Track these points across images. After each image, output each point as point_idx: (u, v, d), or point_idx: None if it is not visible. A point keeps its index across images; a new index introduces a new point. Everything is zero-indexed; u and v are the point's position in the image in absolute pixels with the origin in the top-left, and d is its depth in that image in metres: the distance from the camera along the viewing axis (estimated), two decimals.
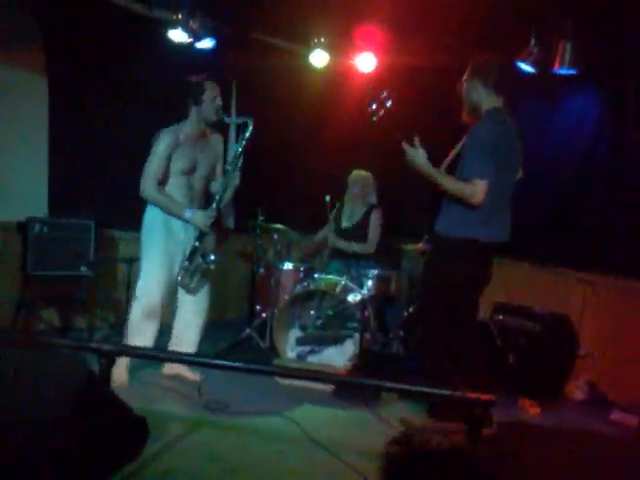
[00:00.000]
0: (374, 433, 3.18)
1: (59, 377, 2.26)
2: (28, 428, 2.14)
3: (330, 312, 4.16)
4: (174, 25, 4.52)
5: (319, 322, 4.22)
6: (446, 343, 3.19)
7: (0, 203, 4.36)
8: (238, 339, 4.68)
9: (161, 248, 3.57)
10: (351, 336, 4.16)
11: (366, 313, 4.18)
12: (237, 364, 2.77)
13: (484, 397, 1.79)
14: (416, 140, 3.08)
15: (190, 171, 3.60)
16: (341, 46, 5.16)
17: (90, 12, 4.55)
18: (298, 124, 5.47)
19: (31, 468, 2.13)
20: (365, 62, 5.17)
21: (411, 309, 4.64)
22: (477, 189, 2.96)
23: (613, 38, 4.16)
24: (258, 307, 4.80)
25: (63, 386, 2.25)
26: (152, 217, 3.60)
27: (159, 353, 3.07)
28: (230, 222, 5.29)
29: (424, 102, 4.94)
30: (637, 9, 3.77)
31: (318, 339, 4.23)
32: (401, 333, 4.53)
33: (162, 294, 3.57)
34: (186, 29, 4.53)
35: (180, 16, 4.51)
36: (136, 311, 3.56)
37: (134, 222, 4.58)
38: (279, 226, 4.78)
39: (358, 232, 4.79)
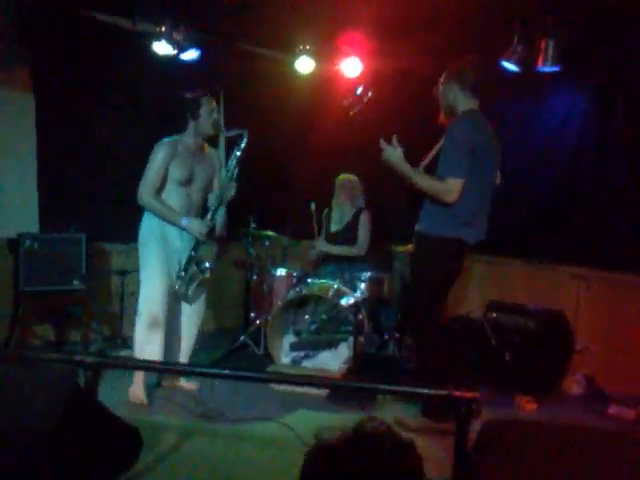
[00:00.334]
0: None
1: (45, 391, 2.25)
2: (16, 443, 2.14)
3: (324, 316, 4.16)
4: (158, 37, 4.54)
5: (313, 327, 4.22)
6: (433, 340, 3.21)
7: None
8: (234, 347, 4.68)
9: (158, 256, 3.57)
10: (345, 340, 4.16)
11: (359, 316, 4.18)
12: (230, 372, 2.78)
13: (468, 395, 1.79)
14: (394, 139, 3.12)
15: (187, 182, 3.61)
16: (326, 52, 5.18)
17: (75, 28, 4.59)
18: (286, 131, 5.49)
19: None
20: (351, 67, 5.18)
21: (405, 310, 4.63)
22: (451, 187, 3.01)
23: (595, 34, 4.18)
24: (252, 314, 4.79)
25: (50, 400, 2.24)
26: (148, 226, 3.60)
27: (148, 364, 3.05)
28: (223, 231, 5.30)
29: (410, 105, 4.97)
30: (619, 3, 3.80)
31: (312, 344, 4.22)
32: (396, 335, 4.52)
33: (164, 304, 3.56)
34: (170, 41, 4.55)
35: (164, 28, 4.53)
36: (140, 325, 3.54)
37: (125, 235, 4.61)
38: (270, 233, 4.78)
39: (348, 234, 4.80)
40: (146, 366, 2.98)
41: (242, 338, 4.67)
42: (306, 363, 4.18)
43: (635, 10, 3.77)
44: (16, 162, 4.54)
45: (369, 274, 4.51)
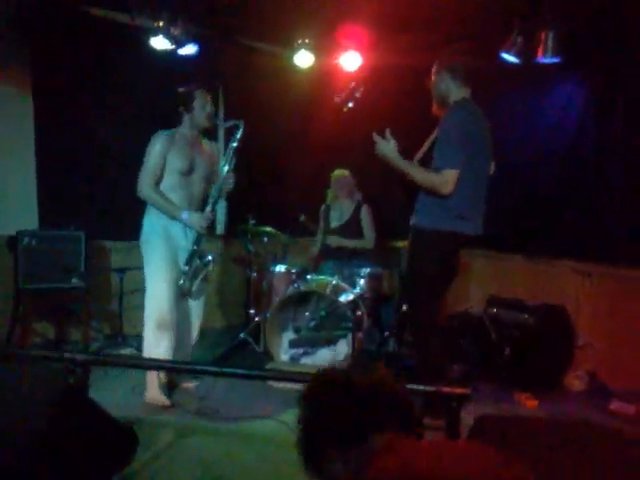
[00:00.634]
0: None
1: (35, 390, 2.24)
2: (6, 442, 2.13)
3: (323, 313, 4.13)
4: (155, 32, 4.51)
5: (312, 324, 4.19)
6: (431, 337, 3.18)
7: None
8: (233, 344, 4.66)
9: (163, 255, 3.51)
10: (344, 336, 4.14)
11: (358, 312, 4.15)
12: (228, 370, 2.76)
13: (458, 390, 1.76)
14: (387, 132, 3.10)
15: (188, 171, 3.57)
16: (325, 46, 5.15)
17: (73, 25, 4.57)
18: (285, 125, 5.45)
19: None
20: (350, 61, 5.14)
21: (405, 307, 4.60)
22: (447, 179, 2.98)
23: (595, 30, 4.13)
24: (252, 311, 4.78)
25: (40, 399, 2.23)
26: (151, 224, 3.55)
27: (138, 361, 3.04)
28: (220, 228, 5.28)
29: (409, 100, 4.92)
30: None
31: (311, 341, 4.20)
32: (396, 331, 4.48)
33: (171, 304, 3.49)
34: (167, 36, 4.53)
35: (161, 23, 4.51)
36: (149, 327, 3.47)
37: (124, 232, 4.61)
38: (269, 229, 4.76)
39: (349, 229, 4.77)
40: (139, 364, 2.96)
41: (242, 335, 4.65)
42: (305, 360, 4.16)
43: (636, 7, 3.71)
44: (15, 160, 4.55)
45: (368, 270, 4.47)
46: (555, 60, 4.09)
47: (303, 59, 5.07)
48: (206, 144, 3.77)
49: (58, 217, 4.53)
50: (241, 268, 5.49)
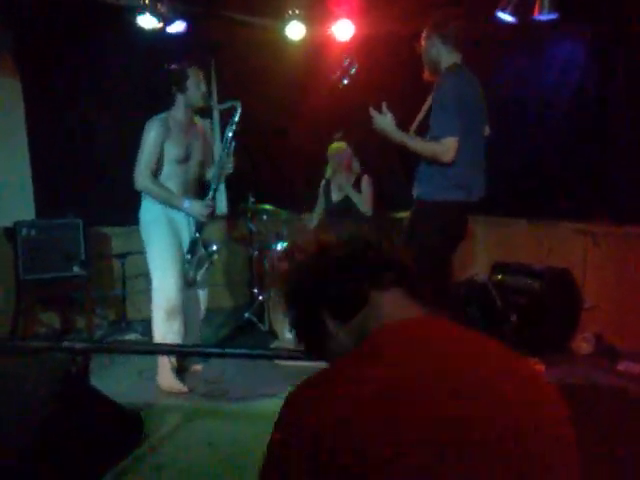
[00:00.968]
0: None
1: (36, 380, 2.24)
2: (9, 431, 2.13)
3: None
4: (142, 11, 4.41)
5: None
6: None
7: None
8: (238, 324, 4.65)
9: (168, 242, 3.44)
10: None
11: None
12: (232, 351, 2.74)
13: None
14: (384, 106, 3.05)
15: (185, 159, 3.50)
16: (317, 16, 5.02)
17: (57, 7, 4.47)
18: (279, 100, 5.35)
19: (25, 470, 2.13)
20: (342, 30, 5.02)
21: None
22: (448, 146, 2.95)
23: None
24: (255, 290, 4.75)
25: (41, 388, 2.22)
26: (152, 212, 3.47)
27: (138, 347, 3.03)
28: (222, 207, 5.24)
29: (403, 67, 4.81)
30: None
31: None
32: None
33: (179, 292, 3.44)
34: (154, 13, 4.42)
35: (147, 1, 4.40)
36: (158, 316, 3.42)
37: (123, 217, 4.57)
38: (269, 207, 4.71)
39: (350, 202, 4.71)
40: (141, 350, 2.95)
41: (246, 315, 4.63)
42: None
43: None
44: (8, 150, 4.50)
45: None
46: (552, 16, 3.97)
47: (294, 31, 4.95)
48: (199, 122, 3.67)
49: (55, 206, 4.51)
50: (243, 247, 5.46)
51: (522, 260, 4.31)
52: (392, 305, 1.06)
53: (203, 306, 3.76)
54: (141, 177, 3.39)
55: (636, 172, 3.89)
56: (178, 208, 3.47)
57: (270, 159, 5.37)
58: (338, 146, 4.79)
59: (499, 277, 4.14)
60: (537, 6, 4.02)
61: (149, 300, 5.01)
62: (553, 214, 4.45)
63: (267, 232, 4.77)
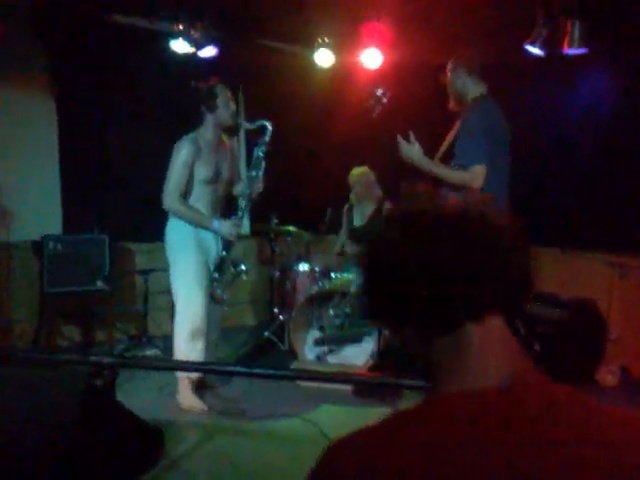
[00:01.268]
0: None
1: (62, 393, 2.25)
2: (34, 444, 2.13)
3: (347, 310, 4.09)
4: (176, 36, 4.52)
5: (337, 322, 4.15)
6: None
7: (16, 224, 4.42)
8: (258, 343, 4.65)
9: (196, 262, 3.41)
10: (369, 334, 4.08)
11: None
12: (255, 370, 2.73)
13: None
14: (411, 135, 3.10)
15: (214, 179, 3.49)
16: (346, 44, 5.11)
17: (93, 30, 4.60)
18: (306, 125, 5.42)
19: None
20: (371, 58, 5.09)
21: None
22: (477, 173, 3.01)
23: (621, 14, 4.04)
24: (276, 310, 4.76)
25: (67, 401, 2.23)
26: (180, 231, 3.44)
27: (165, 363, 3.03)
28: (245, 227, 5.27)
29: (431, 96, 4.87)
30: None
31: (336, 339, 4.16)
32: None
33: (205, 313, 3.41)
34: (187, 39, 4.53)
35: (181, 26, 4.52)
36: (182, 336, 3.38)
37: (147, 234, 4.63)
38: (292, 228, 4.73)
39: (373, 226, 4.72)
40: (166, 366, 2.95)
41: (266, 334, 4.63)
42: (330, 358, 4.11)
43: None
44: (39, 165, 4.59)
45: None
46: (581, 51, 4.01)
47: (323, 58, 5.03)
48: (226, 139, 3.66)
49: (82, 220, 4.57)
50: (263, 267, 5.48)
51: (547, 289, 4.27)
52: (484, 353, 0.81)
53: (219, 322, 3.76)
54: (170, 198, 3.36)
55: None
56: (207, 229, 3.46)
57: (295, 181, 5.42)
58: (360, 171, 4.82)
59: None
60: (566, 41, 4.06)
61: (170, 317, 5.06)
62: (580, 245, 4.43)
63: (290, 253, 4.79)
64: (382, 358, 3.89)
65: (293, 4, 4.59)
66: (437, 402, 0.80)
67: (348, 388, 3.68)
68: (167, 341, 4.76)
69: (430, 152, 3.25)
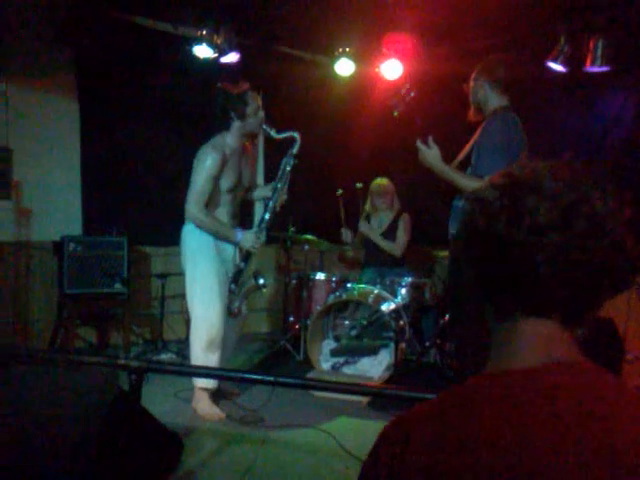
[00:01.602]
0: None
1: (90, 395, 2.27)
2: (59, 446, 2.15)
3: (364, 322, 4.10)
4: (199, 41, 4.56)
5: (353, 332, 4.16)
6: (474, 347, 3.14)
7: (36, 224, 4.47)
8: (272, 352, 4.66)
9: (216, 272, 3.33)
10: (386, 346, 4.09)
11: (401, 322, 4.10)
12: (270, 378, 2.74)
13: None
14: (430, 139, 3.09)
15: (235, 187, 3.43)
16: (366, 54, 5.14)
17: (118, 33, 4.64)
18: (325, 134, 5.44)
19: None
20: (391, 69, 5.12)
21: (447, 317, 4.55)
22: None
23: None
24: (291, 319, 4.77)
25: (94, 404, 2.25)
26: (200, 239, 3.34)
27: (189, 369, 3.04)
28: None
29: (451, 108, 4.88)
30: None
31: (353, 350, 4.17)
32: (438, 341, 4.43)
33: (222, 322, 3.34)
34: (211, 44, 4.56)
35: (204, 32, 4.55)
36: (198, 346, 3.31)
37: (165, 237, 4.66)
38: (310, 237, 4.75)
39: (390, 238, 4.74)
40: (188, 371, 2.97)
41: (282, 343, 4.64)
42: (346, 369, 4.12)
43: None
44: (60, 165, 4.62)
45: (410, 279, 4.43)
46: (604, 69, 4.02)
47: (344, 67, 5.06)
48: (247, 144, 3.56)
49: (100, 222, 4.60)
50: (279, 275, 5.50)
51: None
52: (535, 342, 0.85)
53: (238, 334, 3.74)
54: (194, 209, 3.26)
55: None
56: (230, 240, 3.40)
57: (312, 190, 5.44)
58: (380, 182, 4.83)
59: None
60: (589, 58, 4.08)
61: (184, 321, 5.08)
62: None
63: (306, 261, 4.81)
64: (398, 370, 3.90)
65: (315, 13, 4.62)
66: (484, 381, 0.84)
67: (363, 400, 3.69)
68: (182, 345, 4.80)
69: (448, 161, 3.24)
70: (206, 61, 4.63)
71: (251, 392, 3.74)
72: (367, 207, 4.96)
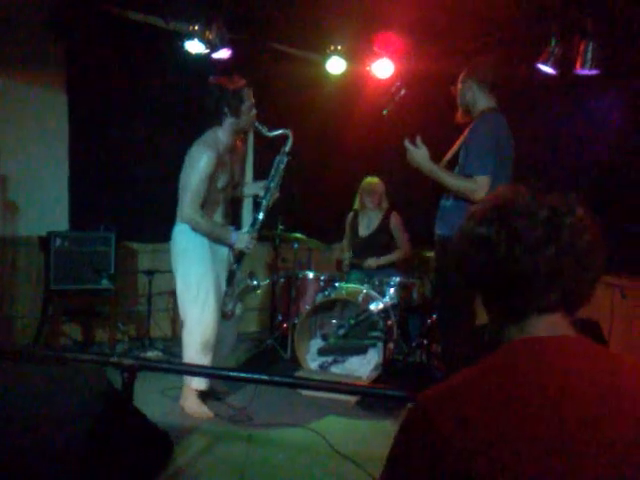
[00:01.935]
0: None
1: (80, 393, 2.25)
2: (49, 444, 2.13)
3: (352, 321, 4.10)
4: (190, 36, 4.52)
5: (341, 331, 4.16)
6: (461, 349, 3.17)
7: (22, 218, 4.41)
8: (260, 351, 4.65)
9: (211, 275, 3.27)
10: (374, 345, 4.10)
11: (389, 322, 4.11)
12: (259, 376, 2.73)
13: None
14: (418, 139, 3.10)
15: (227, 185, 3.38)
16: (358, 53, 5.14)
17: (108, 27, 4.60)
18: (315, 132, 5.43)
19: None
20: (382, 68, 5.12)
21: (434, 317, 4.56)
22: (481, 184, 3.00)
23: (635, 37, 4.09)
24: (279, 318, 4.76)
25: (84, 402, 2.23)
26: (194, 240, 3.26)
27: (182, 367, 3.03)
28: None
29: (441, 108, 4.89)
30: None
31: (340, 349, 4.17)
32: (424, 342, 4.45)
33: (216, 324, 3.29)
34: (202, 40, 4.53)
35: (196, 27, 4.51)
36: (191, 348, 3.26)
37: (154, 234, 4.63)
38: (299, 235, 4.74)
39: (378, 238, 4.75)
40: (181, 370, 2.95)
41: (269, 342, 4.63)
42: (334, 369, 4.12)
43: None
44: (48, 160, 4.57)
45: (399, 279, 4.44)
46: (594, 72, 4.06)
47: (335, 66, 5.06)
48: (237, 141, 3.51)
49: (88, 218, 4.55)
50: (266, 273, 5.48)
51: None
52: (548, 331, 0.98)
53: (234, 335, 3.72)
54: (190, 210, 3.17)
55: None
56: (226, 241, 3.35)
57: (302, 188, 5.43)
58: (372, 181, 4.84)
59: None
60: (579, 61, 4.11)
61: (170, 319, 5.05)
62: None
63: (295, 260, 4.80)
64: (386, 369, 3.91)
65: (307, 10, 4.61)
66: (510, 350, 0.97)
67: (351, 399, 3.69)
68: (168, 343, 4.77)
69: (436, 160, 3.25)
70: (197, 56, 4.60)
71: (239, 391, 3.73)
72: (356, 205, 4.97)
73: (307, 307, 4.25)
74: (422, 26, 4.59)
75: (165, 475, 2.66)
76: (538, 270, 0.95)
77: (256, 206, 3.64)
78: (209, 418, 3.33)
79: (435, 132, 4.08)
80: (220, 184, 3.32)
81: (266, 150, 4.27)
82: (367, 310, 4.07)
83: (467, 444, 0.83)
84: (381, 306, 4.14)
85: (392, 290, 4.39)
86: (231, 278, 3.42)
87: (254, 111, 3.38)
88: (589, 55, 4.05)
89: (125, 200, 4.76)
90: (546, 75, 4.33)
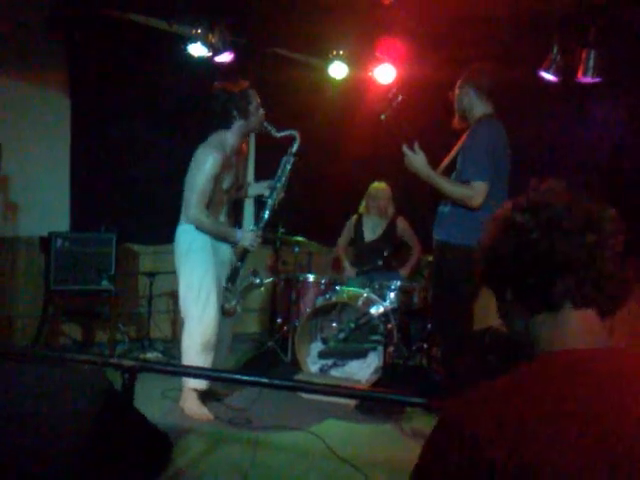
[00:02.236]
0: (398, 448, 3.13)
1: (80, 392, 2.24)
2: (49, 444, 2.13)
3: (352, 325, 4.10)
4: (193, 40, 4.53)
5: (341, 335, 4.16)
6: (460, 353, 3.17)
7: (23, 219, 4.41)
8: (260, 353, 4.64)
9: (213, 274, 3.28)
10: (374, 349, 4.11)
11: (389, 325, 4.12)
12: (260, 379, 2.74)
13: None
14: (416, 145, 3.12)
15: (232, 186, 3.40)
16: (360, 58, 5.15)
17: (111, 29, 4.61)
18: (318, 136, 5.43)
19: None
20: (384, 74, 5.14)
21: (434, 321, 4.57)
22: (478, 190, 3.01)
23: (637, 45, 4.11)
24: (279, 320, 4.76)
25: (84, 401, 2.23)
26: (199, 240, 3.28)
27: (182, 369, 3.03)
28: None
29: (442, 114, 4.91)
30: None
31: (341, 352, 4.17)
32: (424, 346, 4.45)
33: (218, 324, 3.29)
34: (205, 43, 4.54)
35: (199, 31, 4.53)
36: (193, 347, 3.26)
37: (155, 236, 4.63)
38: (300, 238, 4.74)
39: (385, 242, 4.75)
40: (182, 372, 2.95)
41: (269, 344, 4.63)
42: (334, 372, 4.12)
43: None
44: (49, 161, 4.58)
45: (399, 283, 4.45)
46: (595, 80, 4.07)
47: (337, 70, 5.07)
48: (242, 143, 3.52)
49: (89, 218, 4.56)
50: (269, 276, 5.48)
51: None
52: (581, 328, 0.98)
53: (230, 337, 3.71)
54: (196, 211, 3.19)
55: None
56: (230, 241, 3.37)
57: (304, 191, 5.43)
58: (378, 186, 4.85)
59: None
60: (581, 69, 4.13)
61: (170, 320, 5.05)
62: None
63: (295, 263, 4.80)
64: (386, 373, 3.91)
65: (309, 15, 4.63)
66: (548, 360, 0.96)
67: (351, 402, 3.69)
68: (168, 344, 4.77)
69: (434, 166, 3.26)
70: (200, 60, 4.61)
71: (239, 393, 3.73)
72: (361, 209, 4.96)
73: (308, 310, 4.25)
74: (425, 33, 4.61)
75: (164, 476, 2.66)
76: (578, 257, 0.95)
77: (260, 206, 3.64)
78: (209, 420, 3.33)
79: (435, 138, 4.11)
80: (225, 185, 3.34)
81: (268, 151, 4.28)
82: (367, 314, 4.08)
83: (506, 456, 0.82)
84: (381, 310, 4.15)
85: (393, 294, 4.40)
86: (235, 275, 3.42)
87: (262, 111, 3.39)
88: (591, 63, 4.08)
89: (126, 202, 4.76)
90: (548, 82, 4.35)
